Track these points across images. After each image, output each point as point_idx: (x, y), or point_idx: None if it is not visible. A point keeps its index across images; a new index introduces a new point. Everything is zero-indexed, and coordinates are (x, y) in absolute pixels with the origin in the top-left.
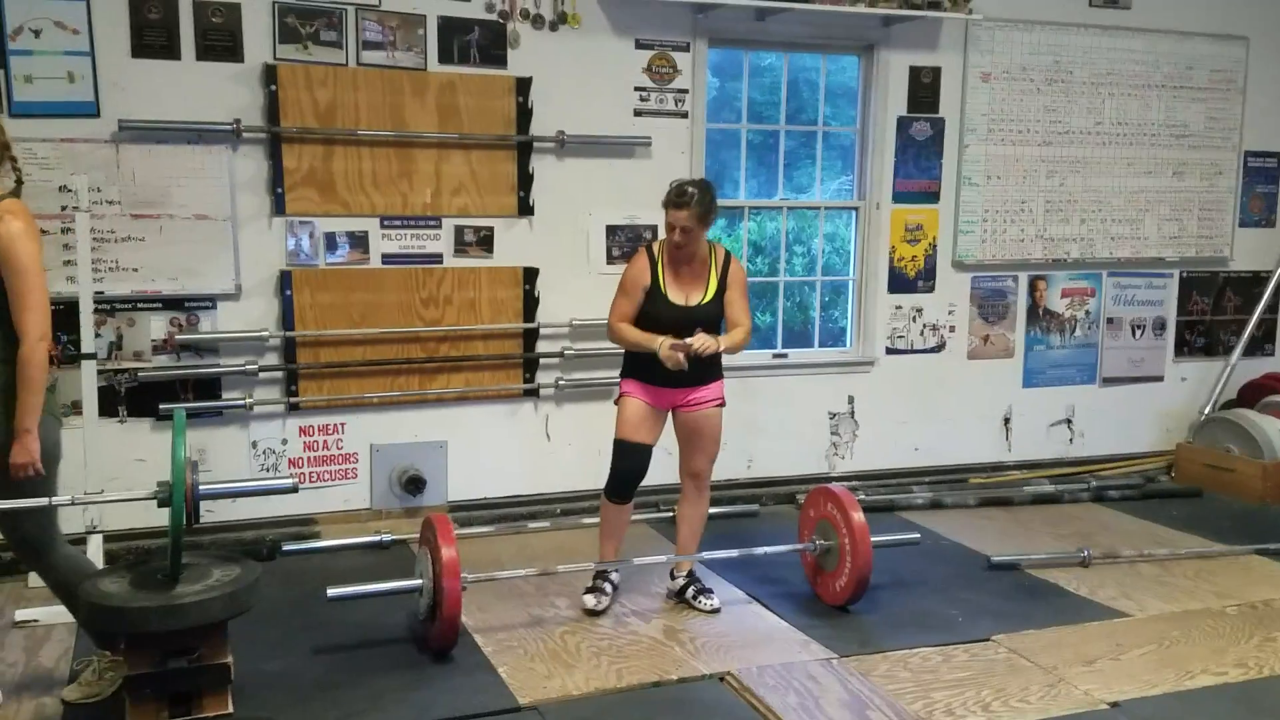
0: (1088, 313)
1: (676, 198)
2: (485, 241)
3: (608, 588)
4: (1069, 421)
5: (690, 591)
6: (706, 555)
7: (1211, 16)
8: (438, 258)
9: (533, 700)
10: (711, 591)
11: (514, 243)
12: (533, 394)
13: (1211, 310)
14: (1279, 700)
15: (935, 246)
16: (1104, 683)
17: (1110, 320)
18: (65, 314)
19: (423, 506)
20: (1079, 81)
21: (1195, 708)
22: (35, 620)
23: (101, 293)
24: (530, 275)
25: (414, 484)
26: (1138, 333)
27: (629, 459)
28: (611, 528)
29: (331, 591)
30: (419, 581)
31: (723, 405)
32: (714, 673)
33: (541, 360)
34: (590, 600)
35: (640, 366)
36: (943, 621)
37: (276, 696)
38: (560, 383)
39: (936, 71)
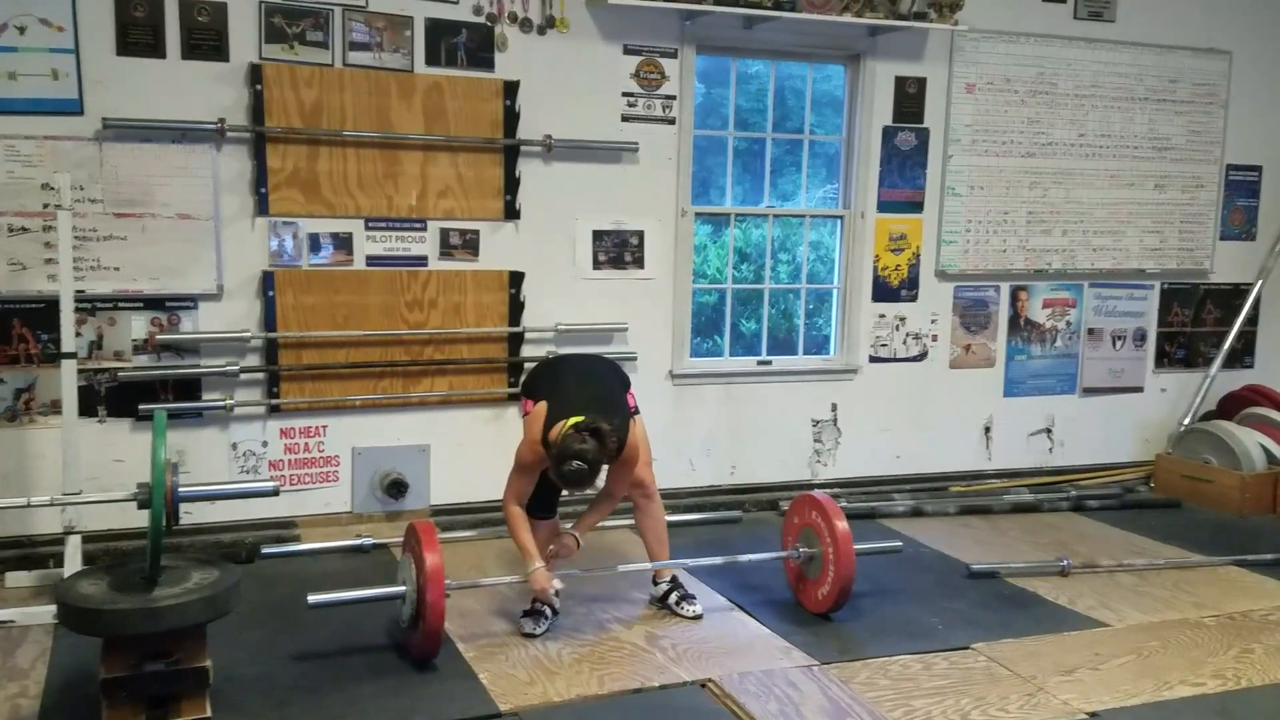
0: (1069, 323)
1: (572, 475)
2: (471, 245)
3: (547, 610)
4: (1049, 431)
5: (673, 597)
6: (689, 562)
7: (1195, 30)
8: (423, 260)
9: (514, 707)
10: (694, 597)
11: (500, 246)
12: (516, 398)
13: (1191, 322)
14: (1256, 711)
15: (919, 256)
16: (1083, 692)
17: (1091, 331)
18: (45, 313)
19: (404, 510)
20: (1063, 94)
21: (1173, 718)
22: (11, 621)
23: (82, 291)
24: (516, 279)
25: (396, 488)
26: (1118, 344)
27: (547, 480)
28: (541, 537)
29: (312, 598)
30: (402, 588)
31: (636, 413)
32: (695, 679)
33: (526, 365)
34: (529, 625)
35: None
36: (923, 629)
37: (255, 701)
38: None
39: (922, 82)
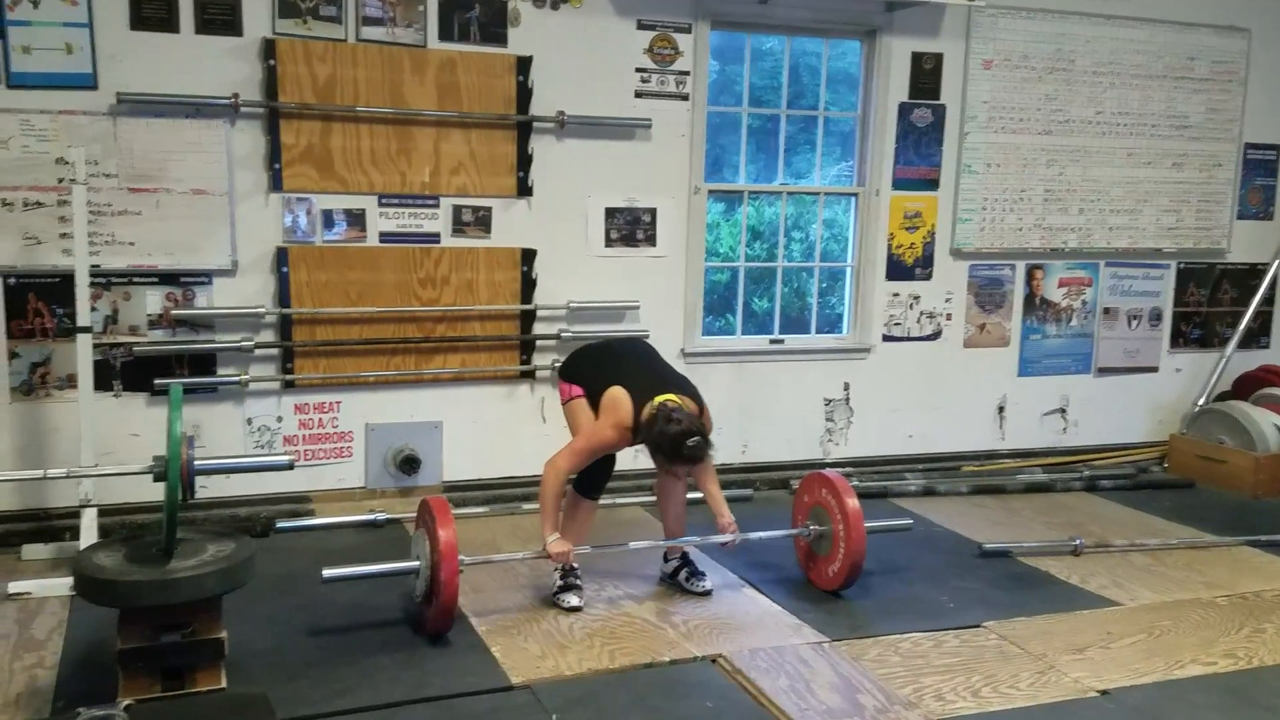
0: (1084, 302)
1: (692, 452)
2: (483, 222)
3: (579, 583)
4: (1063, 411)
5: (683, 574)
6: (699, 540)
7: (1214, 8)
8: (435, 237)
9: (525, 680)
10: (704, 574)
11: (512, 223)
12: (529, 376)
13: (1208, 302)
14: (1267, 690)
15: (934, 234)
16: (1094, 670)
17: (1106, 310)
18: (61, 287)
19: (417, 486)
20: (1080, 71)
21: (1184, 697)
22: (28, 593)
23: (98, 266)
24: (528, 256)
25: (409, 464)
26: (1133, 323)
27: (601, 461)
28: (582, 519)
29: (327, 572)
30: (415, 563)
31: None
32: (706, 655)
33: (538, 342)
34: (574, 599)
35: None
36: (934, 608)
37: (269, 672)
38: (557, 365)
39: (938, 58)
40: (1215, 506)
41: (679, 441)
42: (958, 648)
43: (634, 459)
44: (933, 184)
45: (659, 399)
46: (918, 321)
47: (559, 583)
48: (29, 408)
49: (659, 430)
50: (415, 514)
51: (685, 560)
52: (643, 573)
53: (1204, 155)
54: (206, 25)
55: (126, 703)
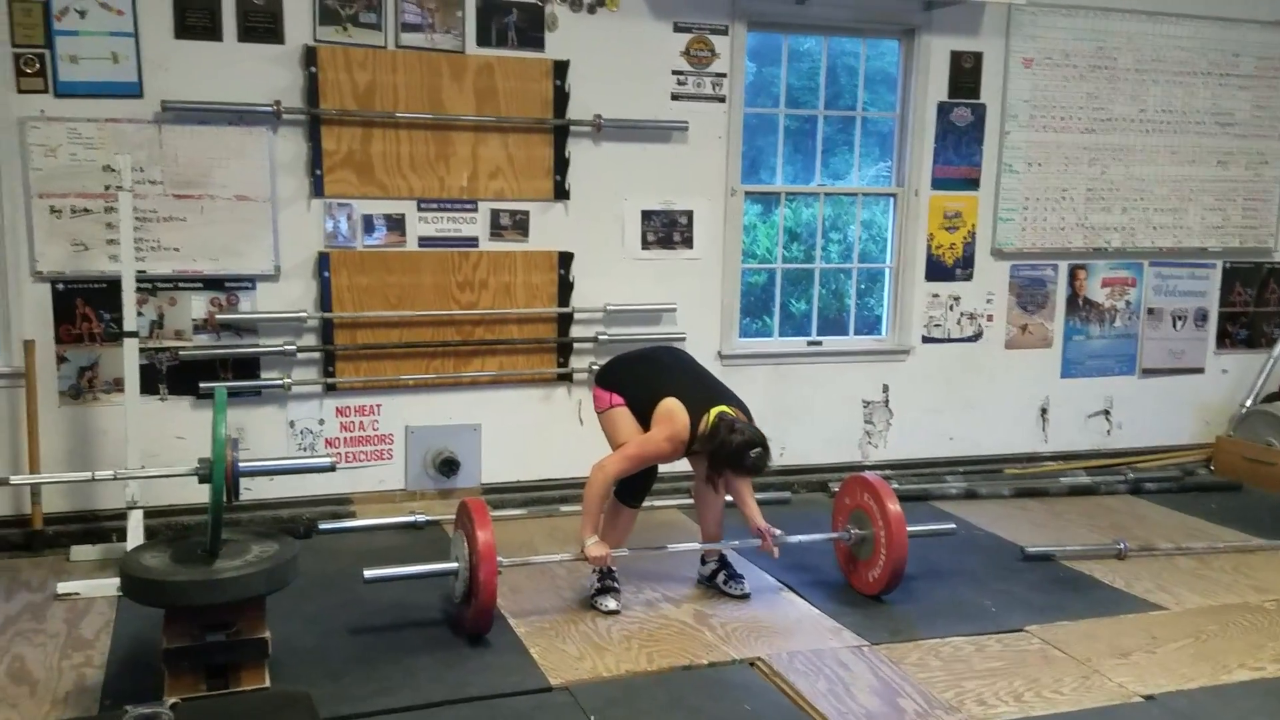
0: (1128, 303)
1: (755, 463)
2: (521, 225)
3: (617, 586)
4: (1107, 413)
5: (721, 576)
6: (737, 544)
7: (1259, 3)
8: (473, 241)
9: (564, 681)
10: (742, 577)
11: (549, 227)
12: (566, 379)
13: (1255, 302)
14: None
15: (974, 234)
16: (1138, 675)
17: (1151, 311)
18: (108, 293)
19: (456, 488)
20: (1122, 68)
21: (1231, 702)
22: (76, 593)
23: (143, 272)
24: (565, 260)
25: (448, 466)
26: (1179, 324)
27: (646, 469)
28: (623, 525)
29: (368, 573)
30: (454, 565)
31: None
32: (744, 658)
33: (575, 345)
34: (612, 603)
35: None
36: (976, 611)
37: (312, 671)
38: (594, 367)
39: (978, 57)
40: (1263, 509)
41: (742, 452)
42: (1000, 652)
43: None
44: (973, 183)
45: (715, 410)
46: (958, 323)
47: (596, 585)
48: (77, 411)
49: (721, 440)
50: (454, 515)
51: (723, 563)
52: (680, 575)
53: (1250, 153)
54: (249, 33)
55: (173, 701)
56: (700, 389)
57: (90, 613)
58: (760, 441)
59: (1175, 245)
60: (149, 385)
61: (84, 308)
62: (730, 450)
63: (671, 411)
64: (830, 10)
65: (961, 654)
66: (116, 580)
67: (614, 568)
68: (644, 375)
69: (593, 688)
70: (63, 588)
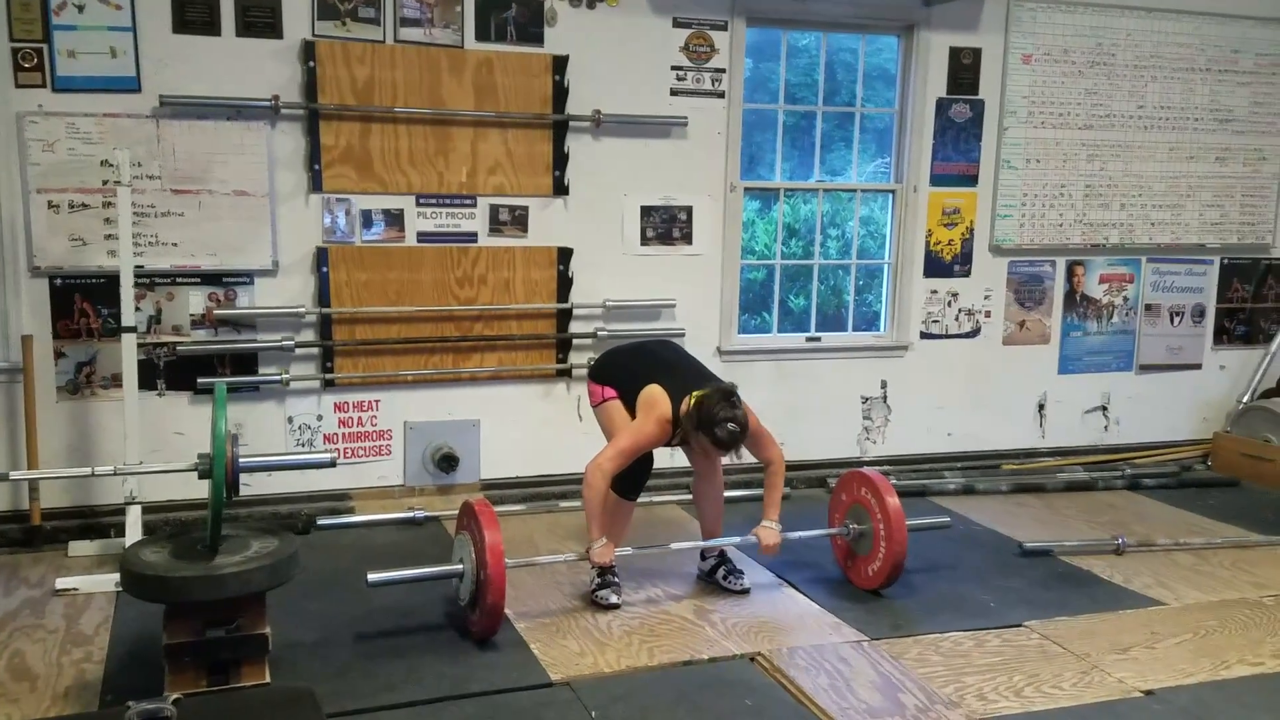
0: (1126, 299)
1: (730, 439)
2: (520, 221)
3: (617, 581)
4: (1104, 409)
5: (720, 572)
6: (737, 539)
7: None
8: (472, 236)
9: (565, 677)
10: (742, 572)
11: (549, 222)
12: (565, 374)
13: (1252, 298)
14: None
15: (973, 230)
16: (1138, 671)
17: (1149, 307)
18: (106, 288)
19: (455, 484)
20: (1121, 64)
21: (1231, 697)
22: (75, 589)
23: (142, 267)
24: (565, 255)
25: (447, 461)
26: (1176, 320)
27: (640, 460)
28: (622, 520)
29: (372, 576)
30: (459, 567)
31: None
32: (745, 653)
33: (574, 341)
34: (613, 597)
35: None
36: (975, 607)
37: (313, 667)
38: (593, 363)
39: (977, 53)
40: (1262, 505)
41: (713, 426)
42: (1000, 647)
43: (670, 457)
44: (971, 180)
45: (696, 394)
46: (956, 319)
47: (597, 579)
48: (75, 406)
49: (698, 421)
50: (454, 511)
51: (723, 558)
52: (681, 571)
53: (1248, 149)
54: (248, 28)
55: (175, 697)
56: (684, 375)
57: (89, 608)
58: (736, 419)
59: (1173, 241)
60: (147, 381)
61: (82, 303)
62: (707, 417)
63: (654, 397)
64: (830, 6)
65: (961, 649)
66: (115, 576)
67: (614, 563)
68: (632, 367)
69: (594, 683)
70: (61, 583)
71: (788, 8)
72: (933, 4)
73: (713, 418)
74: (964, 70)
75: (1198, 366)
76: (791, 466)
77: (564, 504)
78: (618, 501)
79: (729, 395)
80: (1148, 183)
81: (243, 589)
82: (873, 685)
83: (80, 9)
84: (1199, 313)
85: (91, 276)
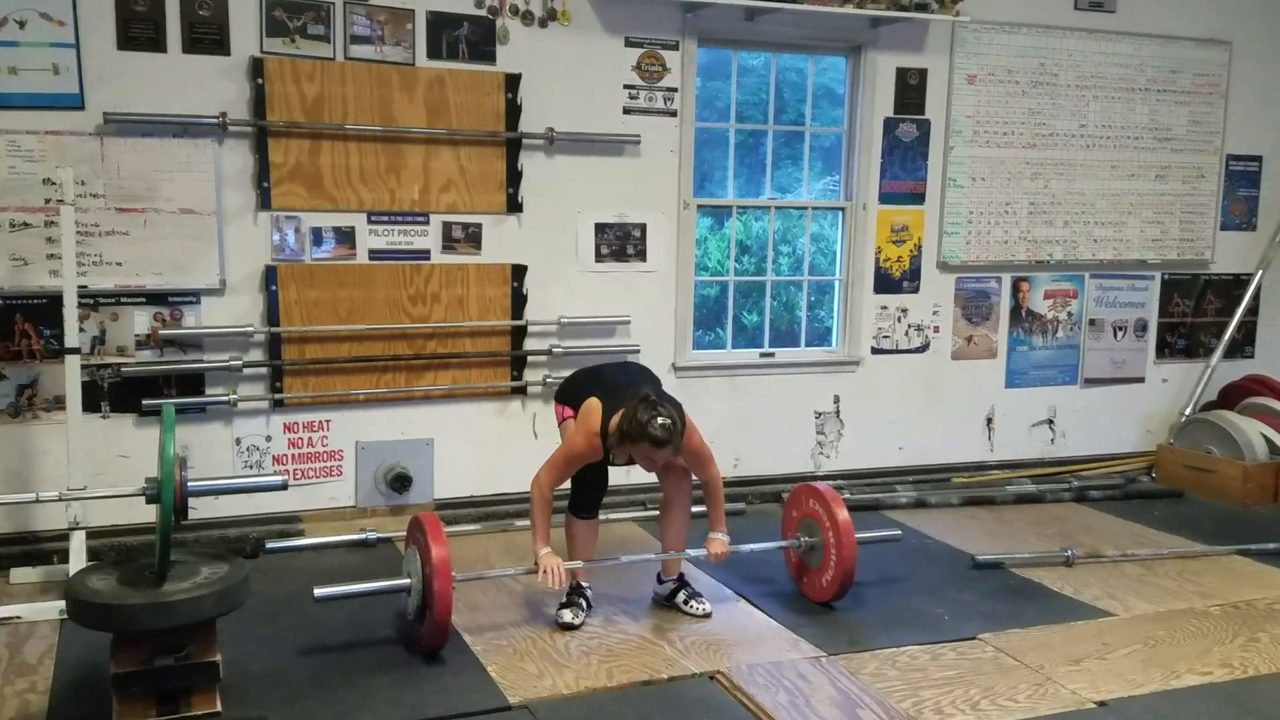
0: (1070, 314)
1: (666, 433)
2: (473, 238)
3: (584, 602)
4: (1051, 422)
5: (681, 596)
6: (693, 553)
7: (1195, 21)
8: (425, 254)
9: (523, 699)
10: (702, 595)
11: (502, 240)
12: (520, 392)
13: (1193, 312)
14: (1264, 700)
15: (920, 247)
16: (1091, 682)
17: (1092, 322)
18: (49, 308)
19: (409, 504)
20: (1064, 84)
21: (1182, 707)
22: (18, 617)
23: (85, 287)
24: (519, 272)
25: (400, 481)
26: (1119, 334)
27: (593, 478)
28: (580, 540)
29: (319, 591)
30: (407, 581)
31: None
32: (704, 671)
33: (529, 358)
34: (567, 615)
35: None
36: (930, 620)
37: (265, 695)
38: (548, 380)
39: (923, 73)
40: (1205, 516)
41: (643, 428)
42: (955, 660)
43: (627, 475)
44: (919, 198)
45: (623, 409)
46: (906, 334)
47: (563, 600)
48: (16, 430)
49: (628, 427)
50: (406, 532)
51: (682, 581)
52: (639, 589)
53: (1187, 167)
54: (194, 45)
55: None
56: (623, 393)
57: (33, 637)
58: (664, 414)
59: (1115, 258)
60: (91, 403)
61: (24, 324)
62: (637, 421)
63: (588, 409)
64: (779, 28)
65: (918, 663)
66: (59, 603)
67: (586, 585)
68: (587, 386)
69: (553, 705)
70: (3, 611)
71: (738, 28)
72: (879, 25)
73: (642, 423)
74: (911, 90)
75: (1141, 380)
76: (746, 482)
77: (519, 523)
78: (571, 520)
79: (647, 399)
80: (1090, 200)
81: (193, 616)
82: (832, 701)
83: (22, 25)
84: (1141, 327)
85: (33, 297)
